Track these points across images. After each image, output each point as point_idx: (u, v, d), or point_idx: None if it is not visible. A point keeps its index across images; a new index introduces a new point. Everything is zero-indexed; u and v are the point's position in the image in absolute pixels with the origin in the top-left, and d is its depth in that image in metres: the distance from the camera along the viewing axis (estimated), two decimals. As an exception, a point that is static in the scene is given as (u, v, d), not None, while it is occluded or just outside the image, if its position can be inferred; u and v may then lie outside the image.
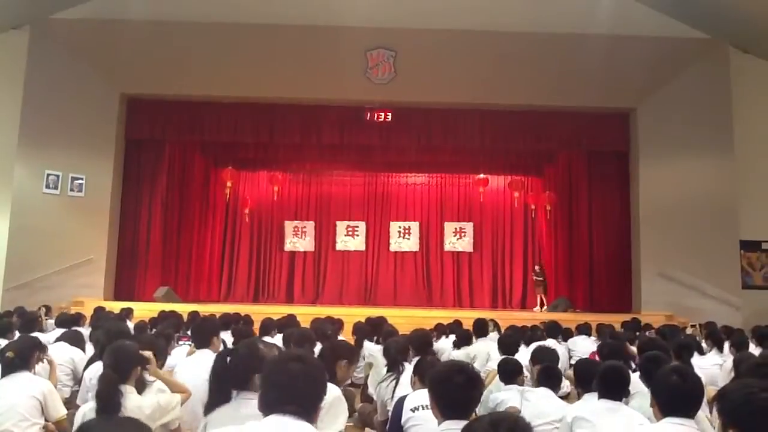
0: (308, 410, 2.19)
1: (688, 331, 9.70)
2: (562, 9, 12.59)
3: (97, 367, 4.45)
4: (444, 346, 7.62)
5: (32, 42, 13.11)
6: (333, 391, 3.60)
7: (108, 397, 3.20)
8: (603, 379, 3.62)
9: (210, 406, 2.93)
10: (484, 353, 6.58)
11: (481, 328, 7.85)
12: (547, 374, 4.43)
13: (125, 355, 3.50)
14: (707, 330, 7.88)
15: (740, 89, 13.52)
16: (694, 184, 13.36)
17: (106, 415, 3.14)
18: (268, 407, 2.19)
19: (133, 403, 3.32)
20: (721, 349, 6.48)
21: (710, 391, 4.55)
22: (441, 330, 8.85)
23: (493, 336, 7.67)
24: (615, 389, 3.58)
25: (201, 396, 4.07)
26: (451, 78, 13.27)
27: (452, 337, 7.98)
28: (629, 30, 12.70)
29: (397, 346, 4.77)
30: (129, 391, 3.36)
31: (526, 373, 4.89)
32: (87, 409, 3.35)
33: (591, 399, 3.71)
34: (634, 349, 5.94)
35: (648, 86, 13.66)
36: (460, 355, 6.77)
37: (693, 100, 13.46)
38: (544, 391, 4.28)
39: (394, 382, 4.43)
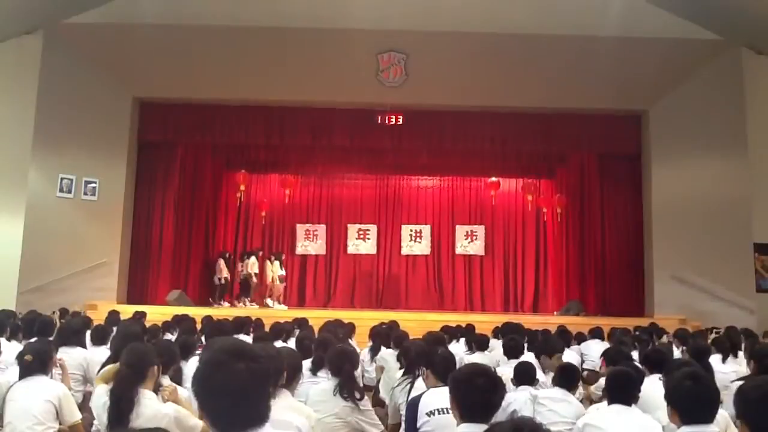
0: (265, 414, 1.78)
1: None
2: (574, 11, 12.54)
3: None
4: (455, 351, 7.51)
5: (45, 46, 13.20)
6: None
7: (122, 395, 3.20)
8: (611, 384, 3.62)
9: None
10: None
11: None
12: (565, 373, 4.40)
13: (141, 354, 3.49)
14: (730, 334, 7.80)
15: (753, 91, 13.43)
16: (707, 186, 13.28)
17: (119, 413, 3.13)
18: (217, 424, 1.73)
19: (151, 410, 3.28)
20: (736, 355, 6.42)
21: (724, 396, 4.53)
22: (450, 333, 8.77)
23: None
24: (624, 394, 3.57)
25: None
26: (462, 80, 13.27)
27: (463, 341, 7.92)
28: (641, 31, 12.64)
29: (417, 348, 4.72)
30: (148, 396, 3.33)
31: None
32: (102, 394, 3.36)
33: (602, 405, 3.70)
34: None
35: (660, 88, 13.60)
36: (475, 359, 6.72)
37: (706, 101, 13.38)
38: (559, 393, 4.25)
39: (408, 386, 4.38)
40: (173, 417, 3.33)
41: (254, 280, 14.75)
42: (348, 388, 3.80)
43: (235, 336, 6.39)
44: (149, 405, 3.29)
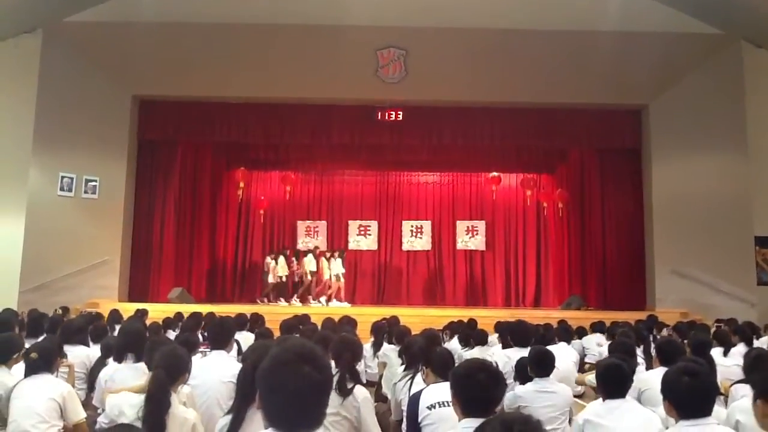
0: (319, 420, 1.80)
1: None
2: (573, 6, 12.53)
3: (113, 368, 4.48)
4: (456, 347, 7.52)
5: (45, 45, 13.19)
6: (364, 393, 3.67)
7: (160, 399, 3.18)
8: (604, 378, 3.58)
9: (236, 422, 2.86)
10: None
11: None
12: (537, 358, 4.38)
13: (180, 360, 3.48)
14: (732, 327, 7.82)
15: (753, 85, 13.42)
16: (708, 180, 13.28)
17: (156, 417, 3.12)
18: (270, 420, 1.76)
19: (180, 413, 3.27)
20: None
21: (724, 383, 4.56)
22: (453, 329, 8.79)
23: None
24: (616, 387, 3.54)
25: (217, 396, 4.09)
26: (462, 76, 13.26)
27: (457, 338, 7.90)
28: (640, 26, 12.62)
29: (420, 344, 4.74)
30: (173, 398, 3.32)
31: None
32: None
33: (598, 401, 3.70)
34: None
35: (660, 83, 13.59)
36: (474, 354, 6.73)
37: (705, 96, 13.38)
38: (539, 386, 4.27)
39: (409, 381, 4.39)
40: (192, 424, 3.32)
41: (310, 277, 14.80)
42: (342, 379, 3.63)
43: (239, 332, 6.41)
44: (174, 405, 3.28)
